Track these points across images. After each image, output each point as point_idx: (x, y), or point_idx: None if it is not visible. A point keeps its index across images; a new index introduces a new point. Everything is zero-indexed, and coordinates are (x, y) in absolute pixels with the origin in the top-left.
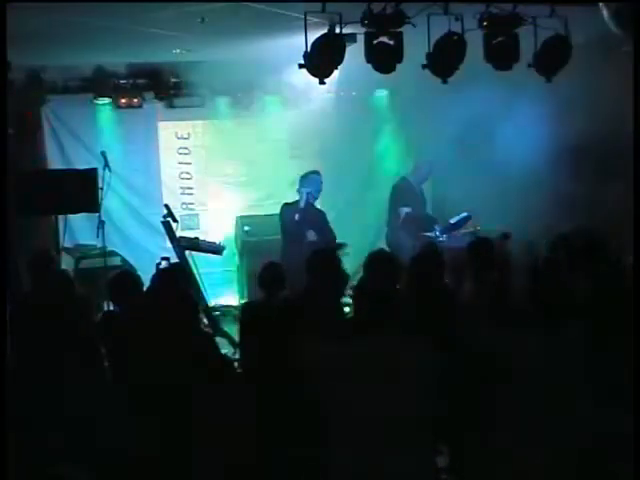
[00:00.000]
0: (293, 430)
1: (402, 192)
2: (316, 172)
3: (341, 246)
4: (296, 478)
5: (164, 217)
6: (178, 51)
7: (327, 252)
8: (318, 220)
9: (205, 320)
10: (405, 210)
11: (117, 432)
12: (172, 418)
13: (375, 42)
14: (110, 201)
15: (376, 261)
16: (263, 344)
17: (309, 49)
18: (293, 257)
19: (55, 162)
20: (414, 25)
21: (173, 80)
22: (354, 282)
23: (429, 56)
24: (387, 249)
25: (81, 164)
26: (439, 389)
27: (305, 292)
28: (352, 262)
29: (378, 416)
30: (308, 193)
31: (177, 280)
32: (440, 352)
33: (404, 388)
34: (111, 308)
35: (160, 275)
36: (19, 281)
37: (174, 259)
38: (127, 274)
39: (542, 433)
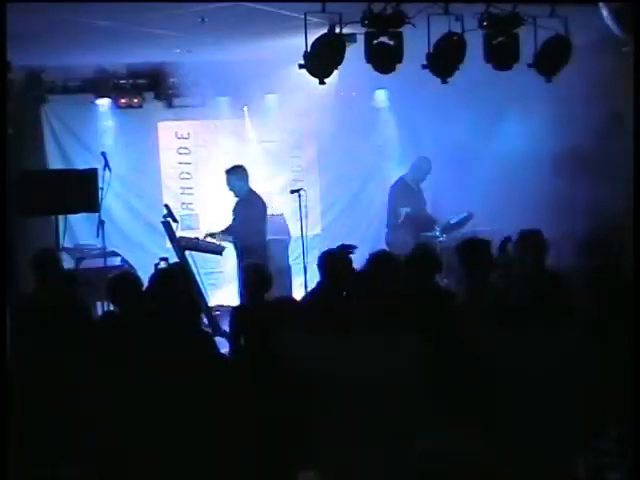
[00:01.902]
0: (292, 430)
1: (399, 192)
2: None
3: (351, 247)
4: (294, 476)
5: (164, 217)
6: (178, 51)
7: (336, 252)
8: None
9: (205, 320)
10: (405, 210)
11: (117, 432)
12: (172, 418)
13: (375, 42)
14: (110, 201)
15: (376, 261)
16: (255, 346)
17: (309, 49)
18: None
19: (55, 162)
20: (414, 25)
21: (173, 80)
22: None
23: (429, 56)
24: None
25: (81, 164)
26: (435, 388)
27: (315, 290)
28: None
29: (376, 414)
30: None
31: (176, 280)
32: (436, 351)
33: (401, 386)
34: (111, 308)
35: (159, 275)
36: (18, 281)
37: (173, 259)
38: (127, 274)
39: (539, 431)
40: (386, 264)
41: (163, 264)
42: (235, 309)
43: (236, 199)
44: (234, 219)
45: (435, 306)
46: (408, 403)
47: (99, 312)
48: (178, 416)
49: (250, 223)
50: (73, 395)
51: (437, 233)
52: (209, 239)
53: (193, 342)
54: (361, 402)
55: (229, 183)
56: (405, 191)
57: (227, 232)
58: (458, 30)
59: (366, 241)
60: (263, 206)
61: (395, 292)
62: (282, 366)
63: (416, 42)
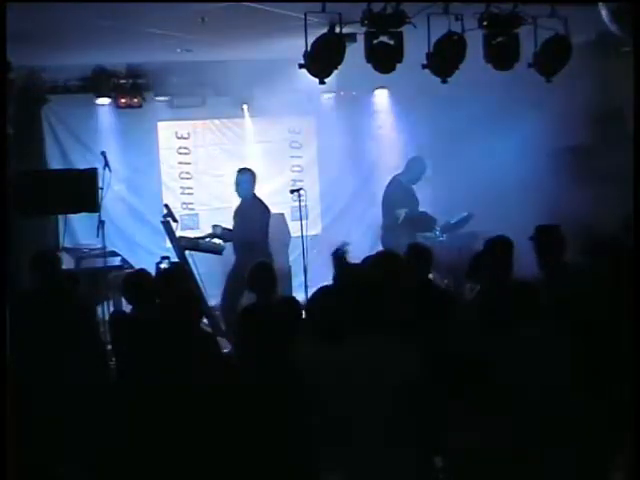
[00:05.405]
0: (296, 432)
1: (395, 193)
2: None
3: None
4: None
5: (164, 217)
6: (178, 51)
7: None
8: (245, 224)
9: (205, 320)
10: (404, 211)
11: (119, 432)
12: (177, 418)
13: (375, 42)
14: (110, 201)
15: (380, 260)
16: (264, 347)
17: (309, 49)
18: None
19: (55, 162)
20: (414, 25)
21: (173, 80)
22: None
23: (429, 56)
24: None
25: (81, 164)
26: (431, 389)
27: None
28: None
29: (376, 416)
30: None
31: (181, 279)
32: (433, 352)
33: (400, 388)
34: (111, 308)
35: (164, 274)
36: (18, 281)
37: (174, 259)
38: (144, 273)
39: (533, 433)
40: (390, 264)
41: (165, 263)
42: (242, 309)
43: (239, 201)
44: (234, 223)
45: (436, 306)
46: (410, 404)
47: (99, 312)
48: (183, 416)
49: (250, 229)
50: (74, 394)
51: (437, 233)
52: (214, 230)
53: (196, 342)
54: (364, 403)
55: (236, 183)
56: (401, 191)
57: (229, 232)
58: (458, 30)
59: (366, 241)
60: (265, 213)
61: (398, 292)
62: (288, 368)
63: (416, 42)
